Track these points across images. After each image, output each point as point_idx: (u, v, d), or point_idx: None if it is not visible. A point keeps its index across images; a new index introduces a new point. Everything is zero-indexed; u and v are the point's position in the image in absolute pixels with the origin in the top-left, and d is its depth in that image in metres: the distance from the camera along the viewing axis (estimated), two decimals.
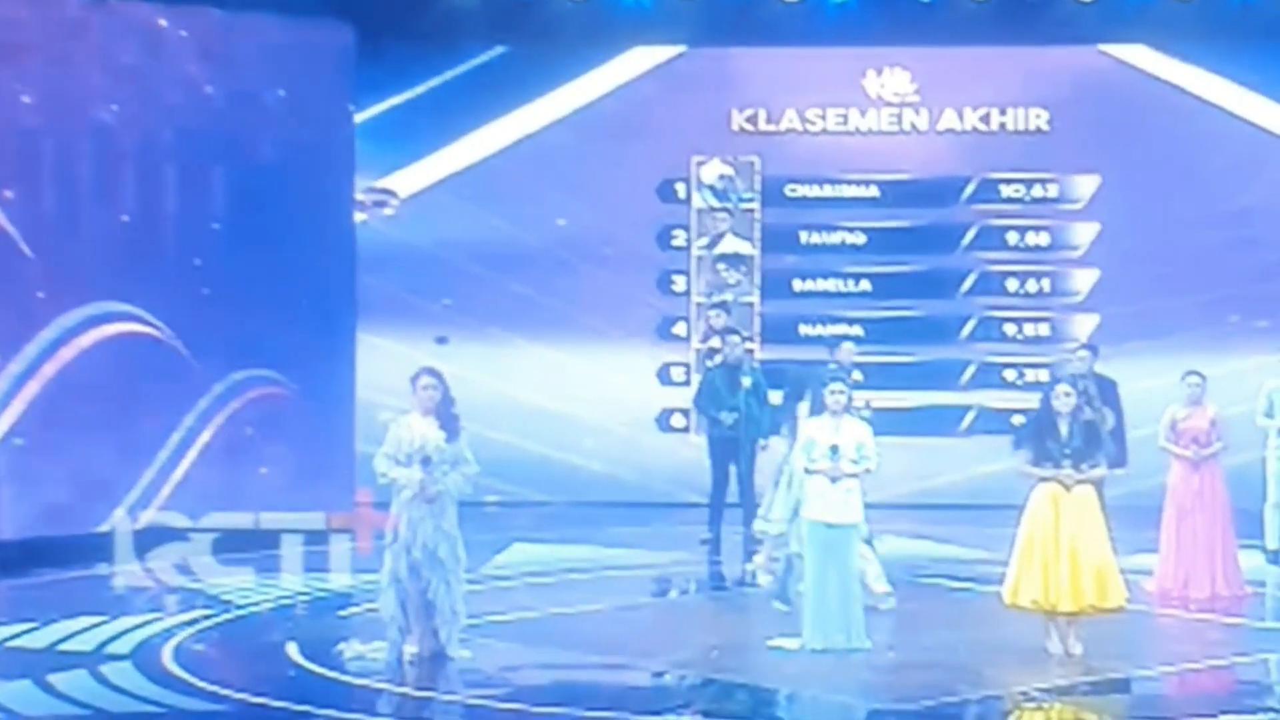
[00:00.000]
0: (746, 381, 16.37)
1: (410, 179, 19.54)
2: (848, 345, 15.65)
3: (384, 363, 18.14)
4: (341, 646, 12.05)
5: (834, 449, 12.07)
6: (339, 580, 14.77)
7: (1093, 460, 11.99)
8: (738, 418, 16.26)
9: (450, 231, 19.47)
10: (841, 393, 12.22)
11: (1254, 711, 10.66)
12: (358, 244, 18.17)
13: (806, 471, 12.15)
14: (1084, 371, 15.20)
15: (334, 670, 11.54)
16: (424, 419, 11.75)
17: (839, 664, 11.72)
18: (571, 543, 16.77)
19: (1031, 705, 10.92)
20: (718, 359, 17.02)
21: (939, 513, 17.92)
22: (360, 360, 18.04)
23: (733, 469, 16.43)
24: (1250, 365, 17.85)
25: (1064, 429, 11.96)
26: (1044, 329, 19.42)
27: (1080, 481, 11.91)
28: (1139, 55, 19.25)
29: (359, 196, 18.69)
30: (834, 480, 12.05)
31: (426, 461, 11.65)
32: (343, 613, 13.54)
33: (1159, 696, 11.62)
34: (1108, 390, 15.39)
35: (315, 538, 15.82)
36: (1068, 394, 12.00)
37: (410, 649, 11.68)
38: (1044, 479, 11.94)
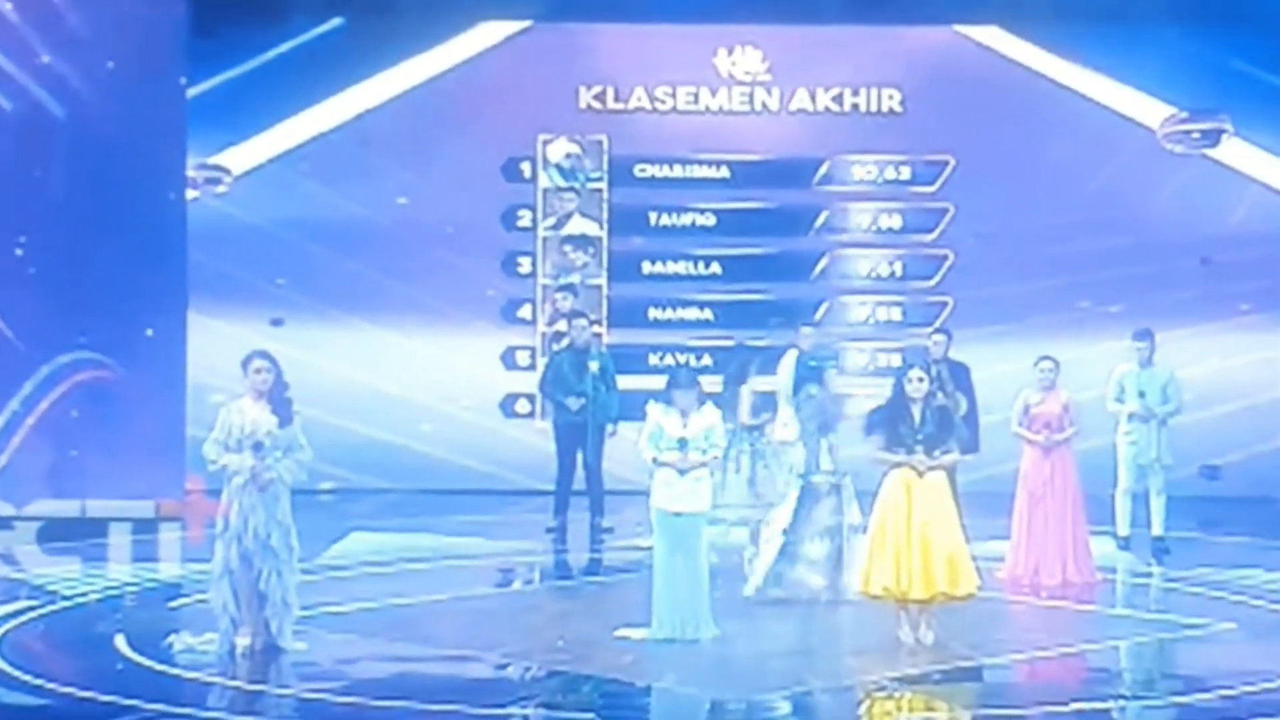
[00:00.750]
0: (594, 366, 16.31)
1: (245, 155, 19.13)
2: (806, 330, 15.64)
3: (217, 345, 17.80)
4: (171, 639, 11.78)
5: (682, 441, 11.96)
6: (169, 570, 14.51)
7: (945, 446, 11.97)
8: (585, 403, 16.12)
9: (286, 210, 19.13)
10: (690, 388, 12.16)
11: (1104, 698, 10.69)
12: (190, 222, 17.79)
13: (655, 462, 11.99)
14: (939, 356, 15.18)
15: (164, 663, 11.29)
16: (256, 404, 11.58)
17: (688, 655, 11.58)
18: (412, 531, 16.54)
19: (883, 694, 10.88)
20: (565, 343, 16.85)
21: None
22: (192, 342, 17.70)
23: (580, 456, 16.22)
24: (1101, 350, 17.90)
25: (916, 415, 11.92)
26: (896, 313, 19.30)
27: (932, 468, 11.85)
28: (992, 36, 19.21)
29: (191, 173, 18.35)
30: (682, 472, 11.86)
31: (258, 447, 11.48)
32: (173, 604, 13.29)
33: (1010, 684, 11.60)
34: (960, 375, 15.38)
35: (144, 526, 15.59)
36: (920, 379, 11.97)
37: (242, 641, 11.47)
38: (896, 465, 11.82)
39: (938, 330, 16.20)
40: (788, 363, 15.21)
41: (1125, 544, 15.48)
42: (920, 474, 11.80)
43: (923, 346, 16.02)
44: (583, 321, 16.69)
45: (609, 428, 16.46)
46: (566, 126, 19.36)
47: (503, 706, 10.38)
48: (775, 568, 13.24)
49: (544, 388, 16.94)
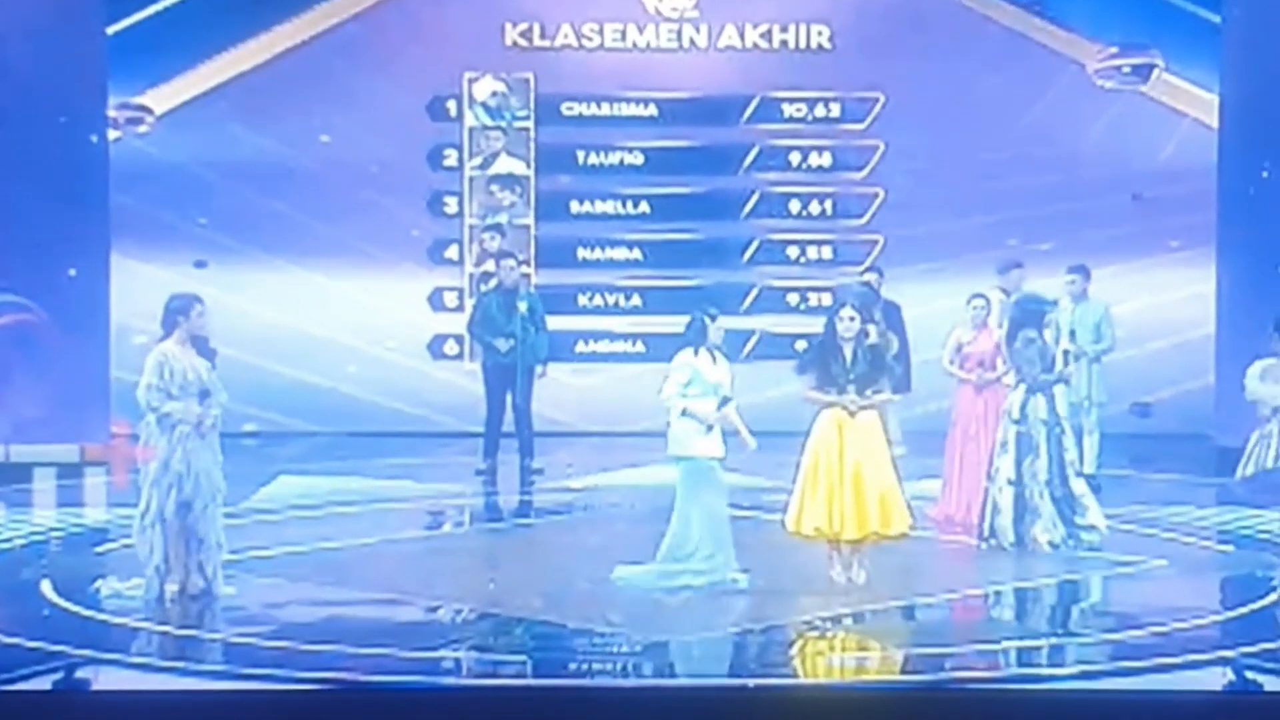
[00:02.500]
0: (523, 307, 16.23)
1: (166, 95, 18.85)
2: (1015, 272, 15.20)
3: (139, 286, 17.60)
4: (99, 584, 11.65)
5: (718, 386, 11.78)
6: (95, 515, 14.37)
7: (877, 385, 11.91)
8: (513, 344, 16.03)
9: (209, 150, 18.87)
10: (720, 330, 11.91)
11: (1036, 636, 10.81)
12: (111, 163, 17.53)
13: (683, 413, 11.71)
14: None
15: (91, 609, 11.19)
16: (187, 348, 11.40)
17: (618, 597, 11.52)
18: (340, 475, 16.40)
19: (815, 634, 10.86)
20: (492, 283, 16.74)
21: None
22: (115, 285, 17.46)
23: (509, 397, 16.13)
24: (1034, 288, 17.88)
25: (848, 354, 11.85)
26: (826, 252, 19.24)
27: (864, 407, 11.78)
28: None
29: (112, 113, 18.06)
30: (710, 428, 11.70)
31: (205, 394, 11.34)
32: (99, 549, 13.14)
33: (942, 623, 11.61)
34: (892, 314, 15.35)
35: (69, 471, 15.45)
36: (851, 318, 11.86)
37: (171, 587, 11.33)
38: (828, 405, 11.73)
39: (869, 269, 16.16)
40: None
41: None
42: (852, 414, 11.75)
43: (855, 284, 15.97)
44: (510, 262, 16.59)
45: (538, 369, 16.38)
46: (492, 64, 19.16)
47: (433, 650, 10.31)
48: (1014, 522, 12.99)
49: (472, 329, 16.84)
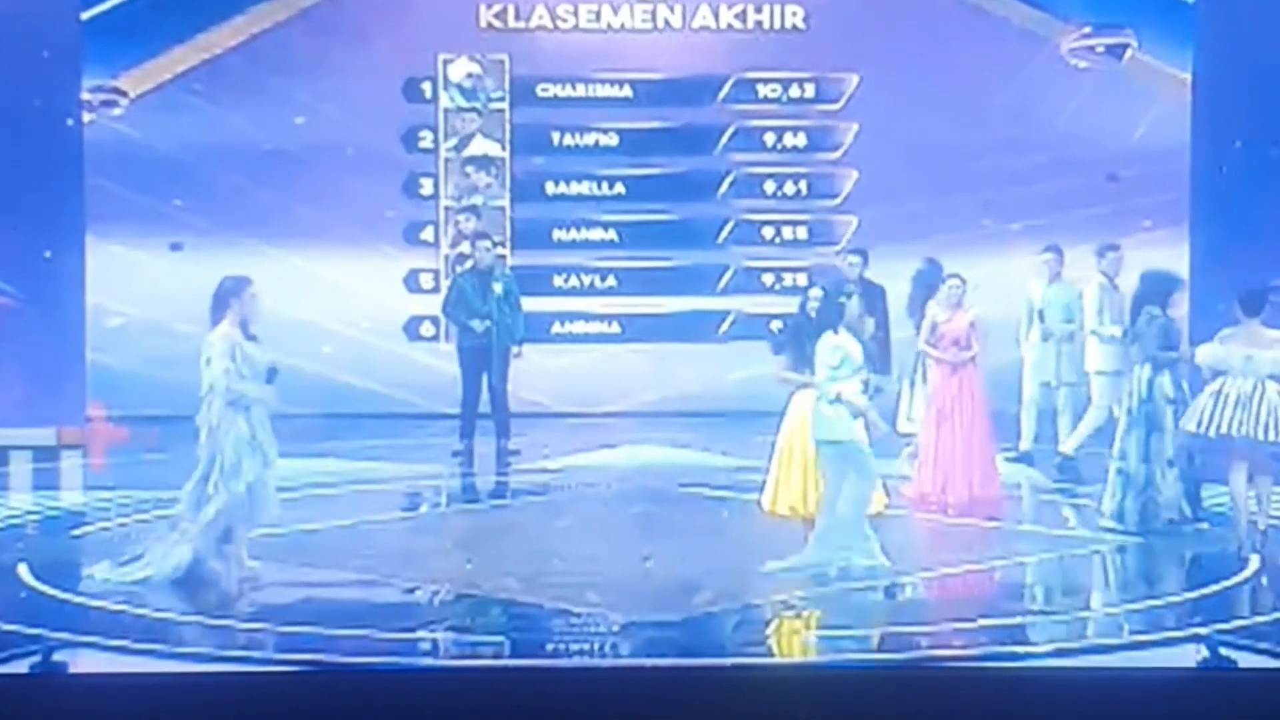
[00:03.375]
0: (498, 288, 16.24)
1: (141, 78, 18.74)
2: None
3: (115, 269, 17.57)
4: (93, 571, 11.57)
5: (859, 368, 11.58)
6: (71, 498, 14.40)
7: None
8: (489, 325, 16.03)
9: (183, 132, 18.74)
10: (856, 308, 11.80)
11: (1012, 614, 10.75)
12: (86, 146, 17.53)
13: (837, 397, 11.48)
14: (854, 277, 15.16)
15: (68, 592, 11.17)
16: (242, 330, 11.45)
17: (596, 577, 11.52)
18: (316, 456, 16.33)
19: (791, 613, 10.90)
20: (467, 265, 16.73)
21: (698, 420, 17.78)
22: (90, 267, 17.43)
23: (485, 378, 16.14)
24: (1005, 268, 17.94)
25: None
26: (802, 232, 19.23)
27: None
28: None
29: (85, 96, 17.99)
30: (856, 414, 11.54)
31: (272, 375, 11.53)
32: (76, 532, 13.14)
33: (918, 601, 11.66)
34: (875, 296, 15.36)
35: (45, 454, 15.39)
36: (812, 299, 11.87)
37: (254, 564, 11.58)
38: (803, 385, 11.74)
39: (852, 251, 16.18)
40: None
41: (1023, 458, 15.57)
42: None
43: (831, 265, 15.99)
44: (486, 243, 16.59)
45: (514, 349, 16.38)
46: (467, 46, 19.10)
47: (411, 631, 10.32)
48: (1139, 502, 12.89)
49: (447, 310, 16.85)
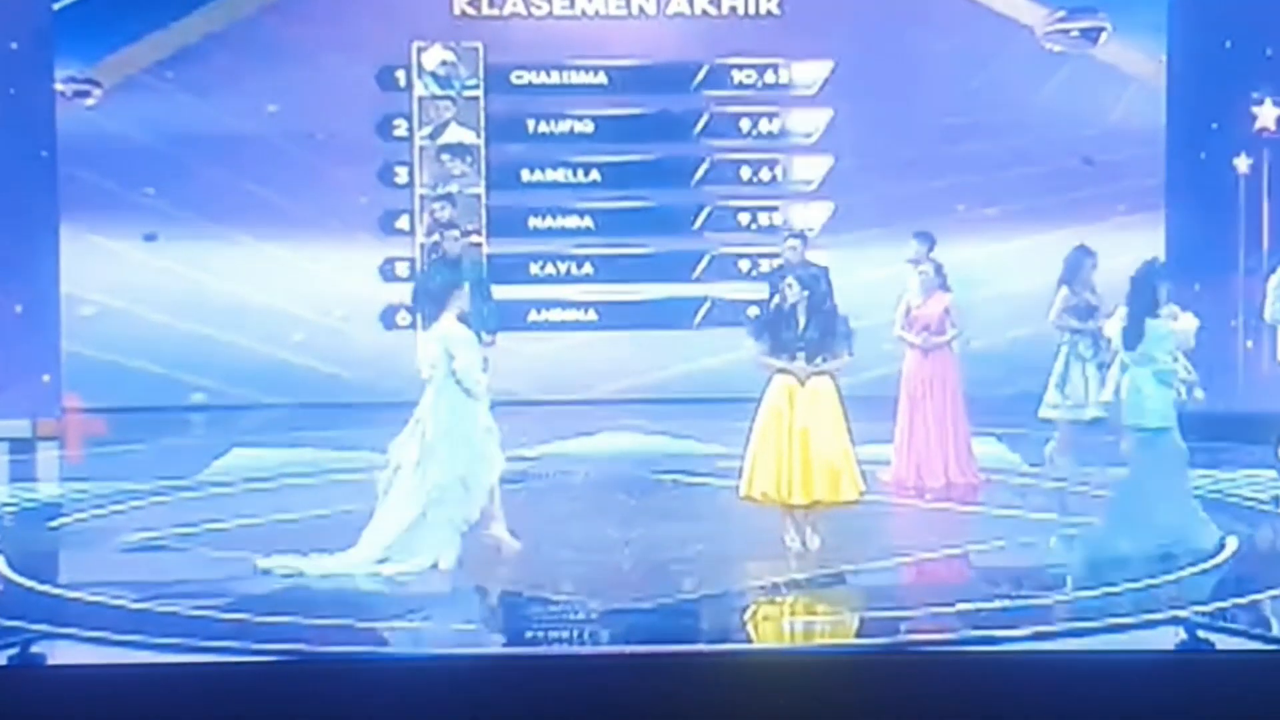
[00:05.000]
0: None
1: (114, 67, 18.67)
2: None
3: (90, 259, 17.54)
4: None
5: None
6: (47, 490, 14.38)
7: (828, 353, 11.84)
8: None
9: (157, 122, 18.69)
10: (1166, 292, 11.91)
11: (989, 599, 10.73)
12: (60, 136, 17.46)
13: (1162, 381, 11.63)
14: (796, 261, 15.18)
15: (46, 584, 11.15)
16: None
17: (575, 563, 11.56)
18: (293, 446, 16.32)
19: (770, 599, 10.92)
20: (436, 255, 16.63)
21: (674, 407, 17.78)
22: (64, 257, 17.35)
23: None
24: (980, 253, 17.99)
25: (800, 321, 11.81)
26: (778, 218, 19.22)
27: (815, 374, 11.71)
28: None
29: (59, 87, 17.92)
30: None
31: (486, 365, 11.97)
32: (53, 524, 13.08)
33: (896, 587, 11.65)
34: (818, 279, 15.39)
35: (21, 446, 15.30)
36: (788, 284, 11.87)
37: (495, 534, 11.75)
38: (780, 371, 11.73)
39: (792, 234, 16.19)
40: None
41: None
42: (802, 381, 11.77)
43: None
44: (454, 233, 16.30)
45: (485, 338, 16.32)
46: (441, 33, 19.06)
47: (390, 619, 10.33)
48: None
49: (416, 301, 16.72)
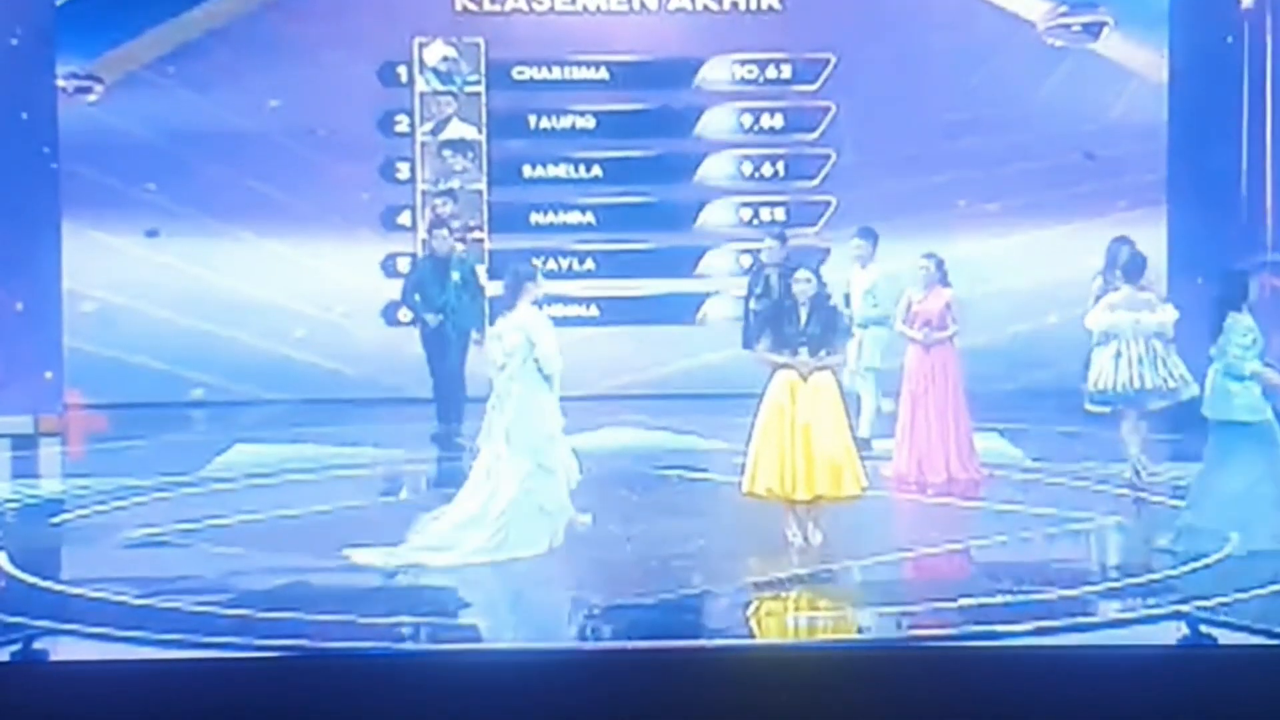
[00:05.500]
0: (456, 275, 16.02)
1: (115, 63, 18.67)
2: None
3: (91, 255, 17.54)
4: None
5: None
6: (50, 486, 14.35)
7: (829, 348, 11.85)
8: (442, 319, 15.93)
9: (159, 117, 18.70)
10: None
11: (991, 594, 10.72)
12: (61, 133, 17.48)
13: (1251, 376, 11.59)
14: (776, 260, 15.19)
15: (48, 580, 11.12)
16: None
17: (576, 558, 11.53)
18: (296, 442, 16.32)
19: (771, 594, 10.89)
20: (426, 251, 16.53)
21: (676, 402, 17.78)
22: (65, 253, 17.31)
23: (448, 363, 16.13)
24: (981, 248, 18.00)
25: (801, 316, 11.85)
26: (779, 213, 19.20)
27: (817, 369, 11.72)
28: None
29: (60, 83, 17.93)
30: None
31: None
32: (55, 520, 13.04)
33: (898, 582, 11.62)
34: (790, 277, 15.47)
35: (23, 442, 15.29)
36: (807, 280, 11.90)
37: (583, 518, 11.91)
38: (781, 366, 11.73)
39: (771, 234, 16.25)
40: None
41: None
42: (804, 376, 11.76)
43: (811, 247, 16.01)
44: (443, 231, 16.39)
45: (474, 335, 16.20)
46: (442, 28, 19.05)
47: (390, 615, 10.27)
48: None
49: (405, 298, 16.68)
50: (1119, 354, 13.62)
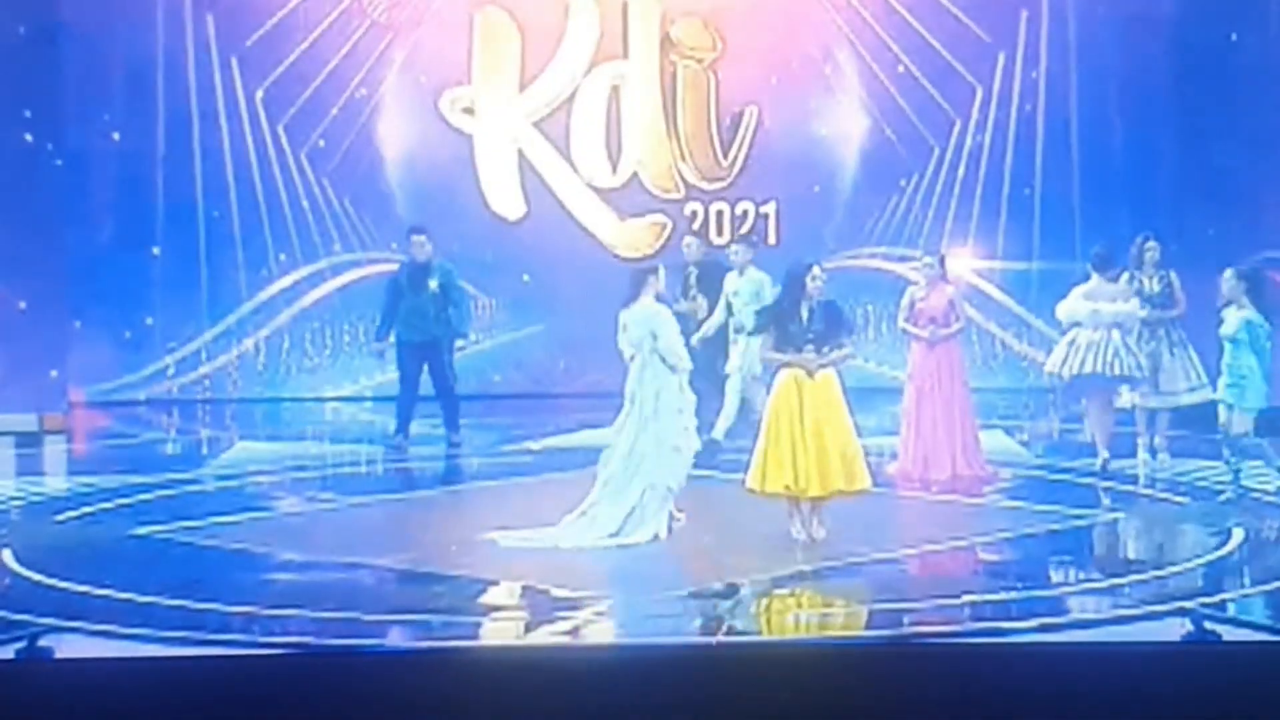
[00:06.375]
0: (433, 283, 15.62)
1: None
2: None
3: (95, 258, 17.61)
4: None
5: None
6: (55, 484, 14.33)
7: (834, 344, 11.83)
8: (427, 321, 15.60)
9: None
10: None
11: (995, 590, 10.76)
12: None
13: None
14: (696, 259, 15.37)
15: (53, 577, 11.07)
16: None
17: (580, 557, 11.50)
18: (299, 440, 16.35)
19: (777, 591, 10.88)
20: (403, 259, 16.21)
21: None
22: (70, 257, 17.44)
23: (425, 373, 15.78)
24: None
25: (805, 313, 11.78)
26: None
27: (822, 365, 11.73)
28: None
29: None
30: None
31: None
32: (59, 517, 13.01)
33: (903, 578, 11.57)
34: (715, 274, 15.57)
35: (27, 440, 15.29)
36: (814, 278, 11.81)
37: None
38: (786, 364, 11.72)
39: (690, 233, 16.32)
40: None
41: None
42: (810, 373, 11.75)
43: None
44: (420, 237, 15.82)
45: (458, 342, 16.05)
46: None
47: (396, 613, 10.27)
48: None
49: (385, 308, 16.00)
50: (1073, 341, 14.11)
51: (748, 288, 15.29)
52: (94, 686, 8.99)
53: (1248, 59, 17.22)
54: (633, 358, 11.92)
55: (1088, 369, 14.02)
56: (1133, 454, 14.62)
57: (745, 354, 15.02)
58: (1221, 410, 12.97)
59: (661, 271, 12.18)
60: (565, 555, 11.54)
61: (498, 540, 11.78)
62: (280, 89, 18.88)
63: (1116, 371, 14.04)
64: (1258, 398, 12.85)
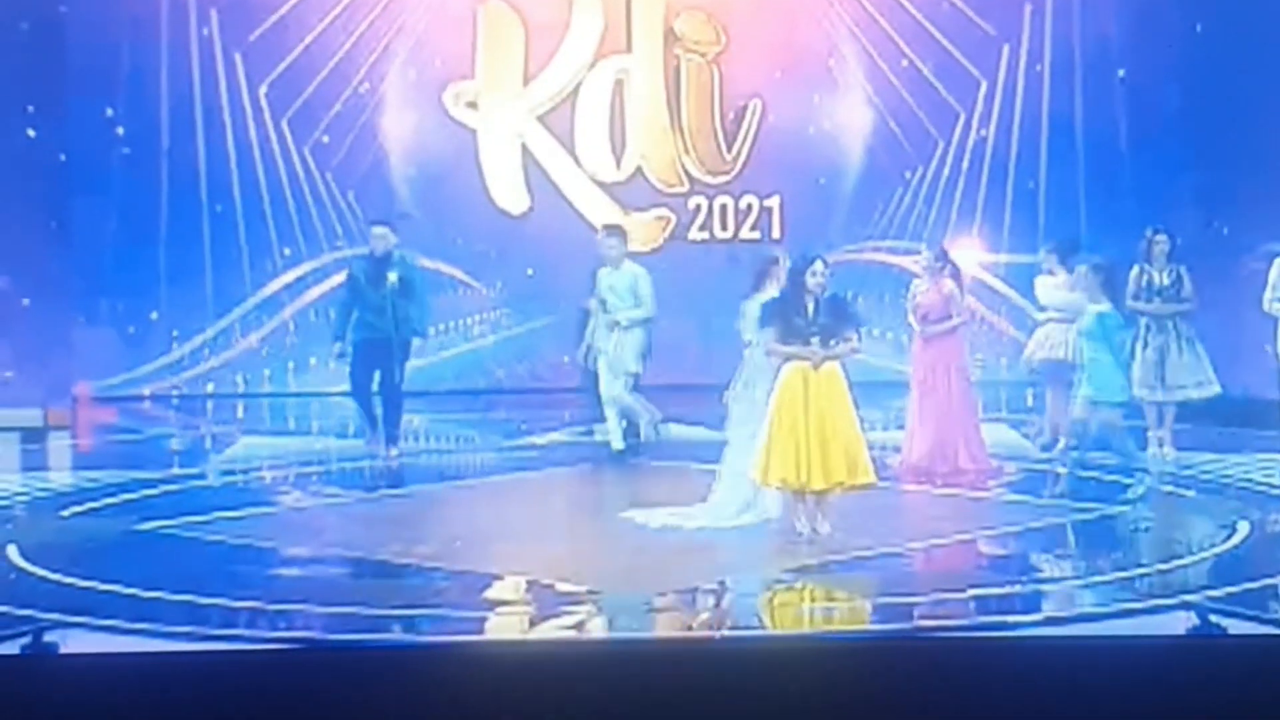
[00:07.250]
0: (393, 276, 15.08)
1: None
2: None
3: (99, 253, 17.58)
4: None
5: None
6: (59, 479, 14.33)
7: (839, 337, 11.82)
8: (383, 316, 15.05)
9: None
10: None
11: (1000, 584, 10.71)
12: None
13: None
14: (616, 259, 15.16)
15: (58, 573, 11.06)
16: None
17: (581, 551, 11.51)
18: (303, 435, 16.34)
19: (781, 585, 10.87)
20: (363, 252, 15.94)
21: (682, 394, 17.71)
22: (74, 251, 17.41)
23: (379, 371, 15.29)
24: None
25: (810, 307, 11.78)
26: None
27: (827, 358, 11.71)
28: None
29: None
30: None
31: None
32: (64, 512, 13.02)
33: (907, 572, 11.56)
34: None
35: (32, 435, 15.28)
36: (814, 272, 11.79)
37: None
38: (791, 357, 11.69)
39: (606, 227, 16.28)
40: None
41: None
42: (815, 366, 11.74)
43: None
44: (380, 229, 15.34)
45: (415, 341, 15.52)
46: None
47: (405, 608, 10.26)
48: None
49: (341, 301, 15.69)
50: (1034, 325, 14.85)
51: (622, 282, 14.96)
52: (98, 682, 8.97)
53: (1253, 51, 17.19)
54: (750, 342, 12.16)
55: (1032, 353, 14.66)
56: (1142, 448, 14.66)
57: (616, 351, 14.84)
58: (1080, 405, 13.13)
59: (783, 260, 12.20)
60: (575, 550, 11.52)
61: (634, 518, 12.16)
62: (284, 84, 18.87)
63: (1044, 356, 14.57)
64: (1115, 390, 12.98)
